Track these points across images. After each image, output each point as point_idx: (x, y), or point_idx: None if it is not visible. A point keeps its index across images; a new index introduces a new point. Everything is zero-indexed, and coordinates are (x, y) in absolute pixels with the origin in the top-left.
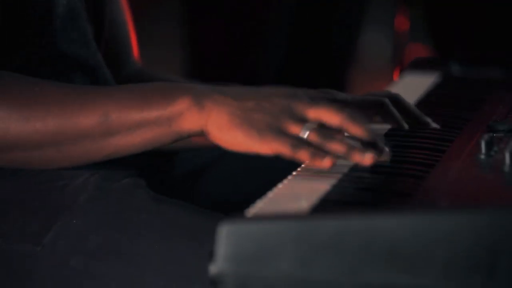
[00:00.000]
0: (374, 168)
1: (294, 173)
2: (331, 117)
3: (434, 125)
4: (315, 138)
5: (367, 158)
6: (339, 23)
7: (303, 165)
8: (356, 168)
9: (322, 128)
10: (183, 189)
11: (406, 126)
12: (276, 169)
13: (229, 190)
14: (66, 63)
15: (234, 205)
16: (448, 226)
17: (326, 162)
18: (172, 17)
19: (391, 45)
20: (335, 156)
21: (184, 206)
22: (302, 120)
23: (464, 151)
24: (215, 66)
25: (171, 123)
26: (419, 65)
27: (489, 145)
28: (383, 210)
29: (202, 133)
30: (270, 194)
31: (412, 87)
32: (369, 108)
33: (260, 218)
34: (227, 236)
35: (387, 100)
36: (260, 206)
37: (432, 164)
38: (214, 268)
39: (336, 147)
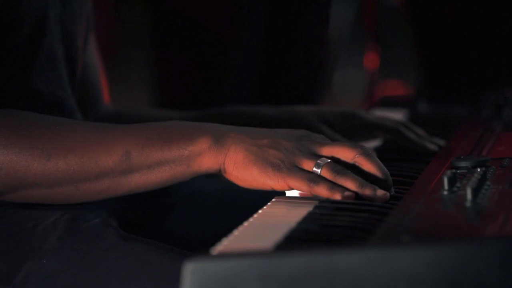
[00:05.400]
0: (338, 205)
1: (260, 211)
2: (344, 153)
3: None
4: (327, 174)
5: (379, 195)
6: (309, 61)
7: (269, 203)
8: (320, 205)
9: (334, 164)
10: (154, 227)
11: (423, 148)
12: (245, 206)
13: (198, 227)
14: (43, 102)
15: (204, 242)
16: (410, 261)
17: (346, 195)
18: (140, 46)
19: (362, 83)
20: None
21: (154, 244)
22: (316, 156)
23: (428, 187)
24: (182, 100)
25: (190, 162)
26: (387, 103)
27: (451, 181)
28: (347, 247)
29: (218, 172)
30: (236, 232)
31: None
32: (385, 131)
33: (224, 256)
34: (192, 274)
35: (402, 127)
36: (225, 244)
37: (395, 201)
38: None
39: (348, 183)
